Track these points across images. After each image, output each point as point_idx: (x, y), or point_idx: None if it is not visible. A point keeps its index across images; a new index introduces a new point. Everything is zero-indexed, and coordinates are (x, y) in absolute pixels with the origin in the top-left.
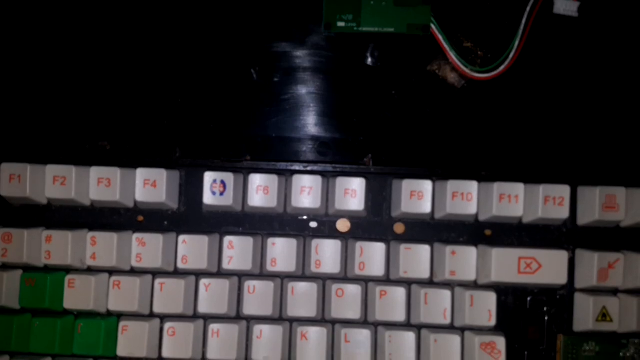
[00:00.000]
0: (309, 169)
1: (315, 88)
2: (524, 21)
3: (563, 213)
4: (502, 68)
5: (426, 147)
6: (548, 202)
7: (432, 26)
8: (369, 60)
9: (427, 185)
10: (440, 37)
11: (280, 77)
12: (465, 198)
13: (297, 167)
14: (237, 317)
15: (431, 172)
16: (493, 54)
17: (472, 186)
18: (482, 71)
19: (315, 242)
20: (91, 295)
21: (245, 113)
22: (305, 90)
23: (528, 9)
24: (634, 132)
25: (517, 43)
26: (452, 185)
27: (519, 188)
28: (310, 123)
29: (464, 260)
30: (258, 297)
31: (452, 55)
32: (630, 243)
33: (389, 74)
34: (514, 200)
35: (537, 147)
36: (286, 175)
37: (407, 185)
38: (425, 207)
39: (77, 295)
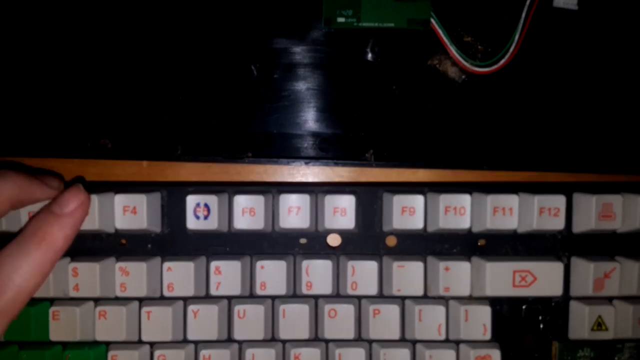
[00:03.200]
0: (310, 164)
1: (316, 84)
2: (523, 15)
3: (558, 224)
4: (502, 62)
5: (427, 141)
6: (543, 213)
7: (432, 21)
8: (369, 55)
9: (418, 201)
10: (440, 31)
11: (280, 73)
12: (458, 212)
13: (298, 163)
14: (228, 340)
15: (433, 166)
16: (493, 48)
17: (465, 200)
18: (483, 65)
19: (306, 264)
20: (77, 326)
21: (246, 110)
22: (306, 86)
23: (528, 2)
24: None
25: (517, 37)
26: (444, 199)
27: (513, 200)
28: (311, 119)
29: (458, 276)
30: (248, 321)
31: (452, 50)
32: (627, 249)
33: (390, 69)
34: (508, 213)
35: (538, 139)
36: (273, 193)
37: (398, 201)
38: (417, 222)
39: (63, 326)
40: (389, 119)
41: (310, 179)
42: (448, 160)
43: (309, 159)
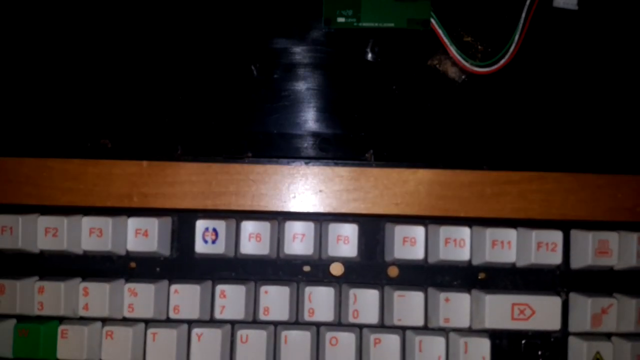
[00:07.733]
0: (310, 164)
1: (316, 84)
2: (523, 15)
3: (556, 259)
4: (502, 62)
5: (427, 141)
6: (541, 247)
7: (432, 21)
8: (369, 55)
9: (419, 232)
10: (440, 31)
11: (280, 73)
12: (458, 244)
13: (298, 163)
14: None
15: (432, 165)
16: (493, 48)
17: (465, 232)
18: (483, 65)
19: (309, 290)
20: (84, 346)
21: (246, 110)
22: (306, 86)
23: (528, 2)
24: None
25: (517, 37)
26: (445, 231)
27: (511, 234)
28: (311, 119)
29: (458, 307)
30: (251, 346)
31: (452, 50)
32: (624, 286)
33: (390, 69)
34: (506, 246)
35: (538, 139)
36: (278, 219)
37: (400, 232)
38: (418, 253)
39: (70, 345)
40: (389, 119)
41: (310, 179)
42: (448, 160)
43: (309, 159)
